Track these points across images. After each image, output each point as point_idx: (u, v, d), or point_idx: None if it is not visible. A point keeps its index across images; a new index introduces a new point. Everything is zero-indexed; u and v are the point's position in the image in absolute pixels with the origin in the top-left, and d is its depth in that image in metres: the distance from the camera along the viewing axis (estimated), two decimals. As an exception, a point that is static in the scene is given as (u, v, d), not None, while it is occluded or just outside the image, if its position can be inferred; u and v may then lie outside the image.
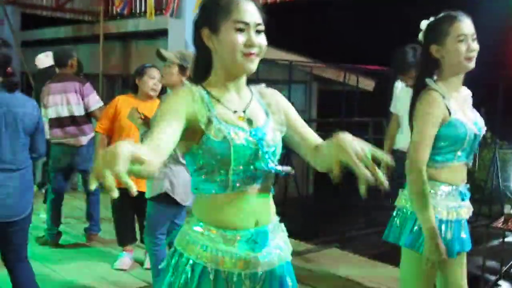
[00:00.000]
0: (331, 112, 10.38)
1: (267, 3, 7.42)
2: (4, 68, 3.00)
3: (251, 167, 1.69)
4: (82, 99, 5.04)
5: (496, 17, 8.00)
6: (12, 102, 3.06)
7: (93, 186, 1.25)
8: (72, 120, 5.02)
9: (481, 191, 7.61)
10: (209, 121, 1.65)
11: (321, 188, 10.30)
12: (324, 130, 11.36)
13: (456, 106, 2.46)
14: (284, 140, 1.84)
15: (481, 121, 2.55)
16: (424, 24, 2.56)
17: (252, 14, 1.68)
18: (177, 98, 1.66)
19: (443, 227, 2.45)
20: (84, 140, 5.11)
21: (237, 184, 1.69)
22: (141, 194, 4.03)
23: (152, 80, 4.23)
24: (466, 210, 2.56)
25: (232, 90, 1.75)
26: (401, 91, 4.16)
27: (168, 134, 1.53)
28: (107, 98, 8.33)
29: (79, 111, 5.05)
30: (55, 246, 5.04)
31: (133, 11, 9.48)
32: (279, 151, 1.78)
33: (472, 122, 2.49)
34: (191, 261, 1.69)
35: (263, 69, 9.88)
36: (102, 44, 8.79)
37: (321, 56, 10.42)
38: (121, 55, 9.92)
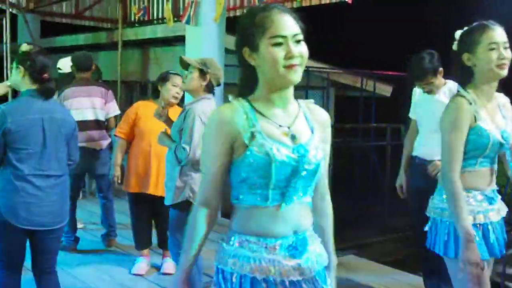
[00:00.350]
0: (348, 118, 10.36)
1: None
2: (40, 74, 3.07)
3: (292, 182, 1.73)
4: (105, 104, 5.10)
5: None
6: (52, 108, 3.12)
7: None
8: (97, 123, 5.07)
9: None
10: (253, 136, 1.70)
11: (337, 195, 10.25)
12: (342, 136, 11.37)
13: (485, 114, 2.50)
14: None
15: (511, 130, 2.57)
16: (458, 33, 2.62)
17: (288, 26, 1.71)
18: (221, 124, 1.72)
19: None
20: (104, 144, 5.17)
21: (278, 197, 1.73)
22: (159, 199, 4.06)
23: (175, 88, 4.24)
24: (495, 212, 2.57)
25: (277, 104, 1.77)
26: (419, 97, 4.12)
27: (221, 179, 1.76)
28: (125, 105, 8.40)
29: (102, 115, 5.12)
30: (73, 251, 5.08)
31: (151, 17, 9.56)
32: (319, 169, 1.80)
33: (500, 130, 2.52)
34: (235, 275, 1.72)
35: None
36: (120, 51, 8.87)
37: (338, 61, 10.41)
38: (139, 61, 10.00)
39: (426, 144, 3.93)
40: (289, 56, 1.68)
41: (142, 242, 4.67)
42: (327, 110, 9.48)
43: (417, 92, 4.15)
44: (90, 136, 5.03)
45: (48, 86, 3.10)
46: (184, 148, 3.39)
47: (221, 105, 1.79)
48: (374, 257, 5.83)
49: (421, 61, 3.82)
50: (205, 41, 5.97)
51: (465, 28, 2.59)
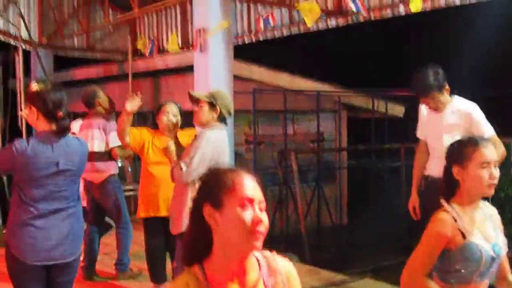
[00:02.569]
0: (361, 139, 10.32)
1: (292, 35, 7.48)
2: (54, 113, 3.01)
3: None
4: (107, 135, 5.12)
5: None
6: (69, 151, 3.06)
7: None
8: (90, 156, 5.03)
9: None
10: None
11: (355, 217, 10.16)
12: (355, 158, 11.32)
13: (472, 226, 2.37)
14: None
15: (502, 242, 2.44)
16: (446, 142, 2.54)
17: (256, 190, 1.60)
18: None
19: None
20: (103, 176, 5.14)
21: None
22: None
23: (166, 116, 4.35)
24: None
25: (234, 276, 1.59)
26: (426, 117, 4.05)
27: None
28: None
29: (99, 147, 5.12)
30: (88, 281, 5.05)
31: (160, 48, 9.67)
32: None
33: (491, 244, 2.38)
34: None
35: (290, 99, 9.92)
36: (131, 82, 8.96)
37: (349, 83, 10.41)
38: (151, 91, 10.08)
39: (436, 163, 3.87)
40: (256, 220, 1.55)
41: (157, 276, 4.62)
42: (339, 132, 9.54)
43: (423, 111, 4.08)
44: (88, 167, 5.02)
45: (63, 124, 3.04)
46: (181, 168, 3.42)
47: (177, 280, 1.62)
48: (393, 280, 5.72)
49: (425, 76, 3.75)
50: (213, 68, 6.01)
51: (456, 139, 2.54)
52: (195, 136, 3.68)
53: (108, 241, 5.35)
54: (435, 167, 3.90)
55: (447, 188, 2.46)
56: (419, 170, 4.10)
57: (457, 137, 3.71)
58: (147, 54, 8.58)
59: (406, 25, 10.53)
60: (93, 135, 5.10)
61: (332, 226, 9.58)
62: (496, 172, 2.39)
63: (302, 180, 8.55)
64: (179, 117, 4.40)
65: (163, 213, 4.36)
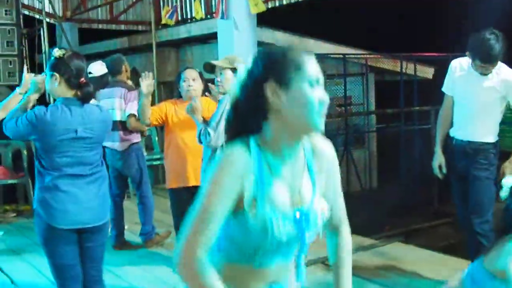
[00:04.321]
0: (390, 103, 10.15)
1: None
2: (77, 79, 2.99)
3: (284, 249, 1.58)
4: (126, 105, 5.11)
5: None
6: (90, 118, 3.06)
7: None
8: (114, 124, 5.05)
9: None
10: (254, 201, 1.50)
11: (385, 181, 10.08)
12: (384, 121, 11.17)
13: None
14: None
15: None
16: (483, 103, 2.35)
17: (319, 71, 1.55)
18: (231, 175, 1.48)
19: None
20: (125, 145, 5.15)
21: (264, 261, 1.58)
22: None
23: (185, 83, 4.31)
24: None
25: (287, 157, 1.56)
26: (464, 75, 3.88)
27: (217, 230, 1.49)
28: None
29: (120, 116, 5.12)
30: (117, 249, 5.15)
31: (184, 17, 9.59)
32: (317, 234, 1.64)
33: None
34: None
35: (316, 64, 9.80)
36: (155, 53, 8.93)
37: (376, 46, 10.20)
38: (175, 61, 10.05)
39: (467, 125, 3.77)
40: (322, 100, 1.51)
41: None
42: (367, 96, 9.40)
43: (457, 68, 3.94)
44: (109, 136, 5.04)
45: (87, 90, 3.02)
46: (209, 133, 3.42)
47: (231, 149, 1.52)
48: (424, 244, 5.68)
49: (492, 44, 3.59)
50: (237, 35, 5.93)
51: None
52: (219, 101, 3.66)
53: (136, 209, 5.40)
54: (461, 129, 3.80)
55: None
56: (444, 128, 4.01)
57: (495, 101, 3.57)
58: (166, 18, 8.49)
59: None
60: (114, 104, 5.10)
61: (361, 191, 9.53)
62: None
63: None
64: (200, 81, 4.36)
65: (192, 182, 4.36)
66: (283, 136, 1.53)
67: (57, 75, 2.97)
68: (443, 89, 4.04)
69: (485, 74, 3.73)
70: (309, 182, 1.61)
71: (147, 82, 4.17)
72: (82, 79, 3.00)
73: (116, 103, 5.10)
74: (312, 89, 1.51)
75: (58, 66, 2.98)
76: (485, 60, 3.65)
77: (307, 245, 1.61)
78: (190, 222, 1.49)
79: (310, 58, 1.54)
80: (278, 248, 1.56)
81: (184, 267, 1.48)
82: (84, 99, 3.02)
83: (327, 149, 1.67)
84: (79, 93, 3.01)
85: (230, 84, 3.56)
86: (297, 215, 1.55)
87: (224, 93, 3.70)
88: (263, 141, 1.54)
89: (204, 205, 1.48)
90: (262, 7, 5.85)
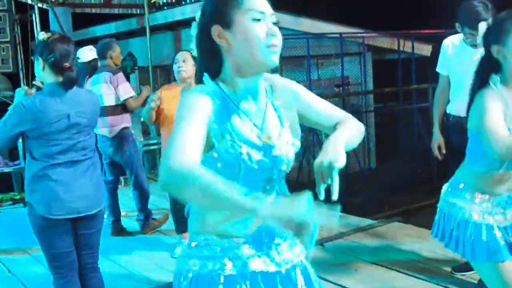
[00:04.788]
0: (388, 81, 10.09)
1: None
2: (60, 64, 2.89)
3: (262, 183, 1.59)
4: (115, 89, 5.06)
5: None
6: (80, 100, 2.99)
7: None
8: (102, 110, 4.98)
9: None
10: (222, 136, 1.51)
11: (383, 161, 10.06)
12: (383, 100, 11.11)
13: None
14: (301, 123, 1.70)
15: None
16: (482, 25, 2.39)
17: (265, 4, 1.55)
18: (201, 103, 1.50)
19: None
20: (114, 130, 5.09)
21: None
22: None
23: (176, 65, 4.27)
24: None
25: (248, 92, 1.58)
26: (457, 50, 3.85)
27: (200, 138, 1.45)
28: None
29: (109, 101, 5.04)
30: (114, 235, 5.13)
31: (178, -1, 9.50)
32: (291, 165, 1.66)
33: None
34: (190, 274, 1.59)
35: (313, 44, 9.70)
36: (149, 36, 8.84)
37: (373, 25, 10.11)
38: (172, 45, 9.97)
39: (463, 101, 3.72)
40: (270, 33, 1.50)
41: (182, 225, 4.64)
42: (365, 75, 9.33)
43: (449, 46, 3.91)
44: (98, 122, 4.97)
45: (69, 75, 2.91)
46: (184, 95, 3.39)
47: (197, 89, 1.56)
48: (424, 222, 5.66)
49: (477, 8, 3.56)
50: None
51: (492, 19, 2.39)
52: None
53: (131, 195, 5.37)
54: (459, 106, 3.75)
55: (488, 70, 2.31)
56: (441, 108, 3.98)
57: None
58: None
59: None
60: (101, 89, 5.04)
61: (360, 171, 9.50)
62: None
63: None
64: (191, 63, 4.29)
65: None
66: (239, 74, 1.56)
67: (40, 59, 2.90)
68: (437, 69, 4.00)
69: (476, 46, 3.67)
70: (276, 118, 1.63)
71: (155, 100, 4.20)
72: (66, 63, 2.90)
73: (103, 88, 5.03)
74: (257, 23, 1.50)
75: (41, 50, 2.90)
76: (472, 26, 3.61)
77: (283, 175, 1.64)
78: (170, 144, 1.43)
79: None
80: (253, 182, 1.56)
81: (173, 177, 1.34)
82: (65, 84, 2.92)
83: (286, 83, 1.70)
84: (62, 78, 2.93)
85: None
86: (266, 143, 1.56)
87: None
88: (223, 82, 1.58)
89: (180, 126, 1.44)
90: None
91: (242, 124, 1.55)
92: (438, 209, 2.58)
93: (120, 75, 5.10)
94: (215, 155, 1.52)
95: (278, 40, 1.53)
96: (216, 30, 1.53)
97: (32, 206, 2.94)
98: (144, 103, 4.87)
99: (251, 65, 1.54)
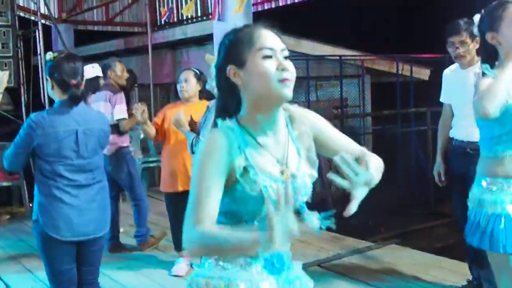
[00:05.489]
0: (386, 104, 10.14)
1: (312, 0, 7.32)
2: (68, 82, 2.96)
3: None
4: (113, 108, 5.07)
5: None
6: (89, 119, 3.05)
7: None
8: None
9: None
10: (245, 171, 1.57)
11: (381, 183, 10.05)
12: (381, 123, 11.16)
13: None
14: (317, 152, 1.76)
15: None
16: (477, 17, 2.55)
17: (275, 40, 1.62)
18: (218, 151, 1.57)
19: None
20: (107, 150, 5.10)
21: (264, 228, 1.57)
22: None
23: (179, 85, 4.34)
24: None
25: (267, 128, 1.64)
26: (450, 77, 3.91)
27: (217, 203, 1.55)
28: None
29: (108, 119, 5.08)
30: (112, 252, 5.12)
31: (180, 18, 9.59)
32: (309, 195, 1.72)
33: None
34: None
35: (313, 66, 9.77)
36: (151, 54, 8.92)
37: (372, 48, 10.20)
38: (172, 63, 10.04)
39: (462, 125, 3.77)
40: (281, 68, 1.57)
41: (181, 243, 4.65)
42: (363, 98, 9.36)
43: (448, 75, 3.97)
44: None
45: (72, 92, 2.97)
46: (201, 141, 3.39)
47: (214, 131, 1.65)
48: (421, 245, 5.67)
49: (458, 21, 3.69)
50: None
51: (484, 9, 2.51)
52: (207, 107, 3.62)
53: (131, 212, 5.38)
54: (460, 130, 3.80)
55: (486, 57, 2.49)
56: (443, 136, 4.01)
57: None
58: (163, 19, 8.50)
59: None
60: (100, 107, 5.07)
61: (357, 193, 9.48)
62: None
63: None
64: (193, 82, 4.33)
65: (185, 187, 4.35)
66: (257, 109, 1.62)
67: (49, 79, 2.99)
68: (441, 99, 4.06)
69: (462, 60, 3.72)
70: (294, 148, 1.70)
71: (139, 112, 4.22)
72: (73, 81, 2.97)
73: (102, 107, 5.07)
74: (267, 60, 1.58)
75: (49, 70, 3.00)
76: (450, 33, 3.71)
77: (303, 207, 1.68)
78: (190, 203, 1.56)
79: (262, 31, 1.62)
80: None
81: (191, 243, 1.52)
82: (70, 101, 2.98)
83: (304, 113, 1.75)
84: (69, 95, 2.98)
85: None
86: (287, 180, 1.62)
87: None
88: (242, 119, 1.64)
89: (198, 183, 1.55)
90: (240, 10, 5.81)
91: (263, 161, 1.61)
92: (468, 213, 2.59)
93: (120, 95, 5.13)
94: (239, 189, 1.58)
95: (290, 73, 1.59)
96: (231, 70, 1.61)
97: (40, 224, 2.96)
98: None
99: (266, 100, 1.60)
